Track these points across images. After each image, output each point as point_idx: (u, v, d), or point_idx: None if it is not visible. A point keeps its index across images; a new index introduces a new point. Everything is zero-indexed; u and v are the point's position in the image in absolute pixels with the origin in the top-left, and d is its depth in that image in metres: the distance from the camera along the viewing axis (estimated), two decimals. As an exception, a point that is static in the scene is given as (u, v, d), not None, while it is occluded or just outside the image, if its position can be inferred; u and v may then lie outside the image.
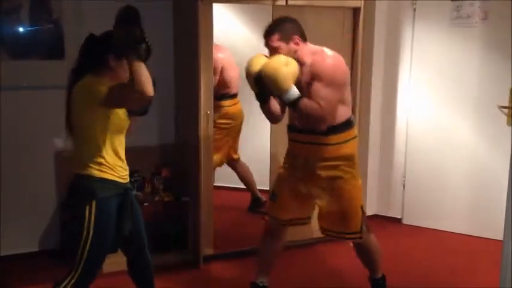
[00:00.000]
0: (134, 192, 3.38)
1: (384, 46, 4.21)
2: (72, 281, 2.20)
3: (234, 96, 3.93)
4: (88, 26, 3.30)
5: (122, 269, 2.54)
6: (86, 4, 3.37)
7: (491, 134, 3.82)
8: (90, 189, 2.18)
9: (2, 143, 3.29)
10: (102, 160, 2.19)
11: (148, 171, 3.58)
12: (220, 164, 3.91)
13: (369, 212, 4.36)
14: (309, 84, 2.50)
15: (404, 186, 4.25)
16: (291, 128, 2.72)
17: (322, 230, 2.79)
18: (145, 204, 3.33)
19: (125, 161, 2.32)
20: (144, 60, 2.03)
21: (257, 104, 2.67)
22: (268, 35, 2.55)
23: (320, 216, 2.78)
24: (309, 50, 2.57)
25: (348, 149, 2.61)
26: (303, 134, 2.62)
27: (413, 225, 4.20)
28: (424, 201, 4.15)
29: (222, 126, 3.83)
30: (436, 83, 4.03)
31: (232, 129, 3.94)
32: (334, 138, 2.57)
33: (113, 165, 2.23)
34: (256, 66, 2.49)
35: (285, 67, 2.41)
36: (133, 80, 1.99)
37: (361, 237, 2.69)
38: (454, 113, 3.99)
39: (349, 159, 2.62)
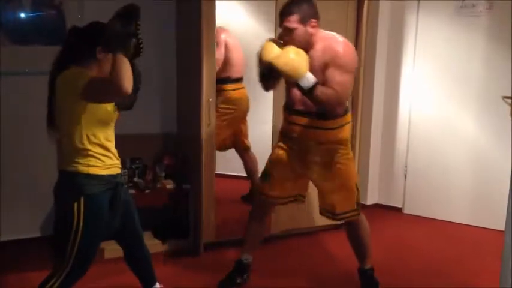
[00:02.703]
0: (135, 179, 3.41)
1: (387, 36, 4.18)
2: (60, 278, 2.17)
3: (238, 80, 3.79)
4: (89, 11, 3.32)
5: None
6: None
7: (493, 124, 3.82)
8: (77, 186, 2.13)
9: (3, 129, 3.29)
10: (87, 155, 2.13)
11: (150, 158, 3.59)
12: (218, 149, 3.83)
13: (370, 201, 4.38)
14: (322, 69, 2.47)
15: (405, 175, 4.25)
16: (288, 109, 2.71)
17: (321, 210, 2.81)
18: (146, 191, 3.34)
19: (115, 153, 2.25)
20: (131, 56, 1.97)
21: (260, 92, 2.66)
22: (286, 14, 2.47)
23: (319, 197, 2.81)
24: (322, 35, 2.54)
25: (344, 133, 2.65)
26: (301, 116, 2.62)
27: (414, 215, 4.21)
28: (425, 191, 4.16)
29: (223, 111, 3.71)
30: (440, 72, 4.02)
31: (235, 116, 3.83)
32: (331, 123, 2.59)
33: (100, 158, 2.16)
34: (269, 56, 2.44)
35: (296, 57, 2.38)
36: (112, 74, 1.93)
37: (358, 214, 2.74)
38: (456, 103, 3.98)
39: (343, 143, 2.65)
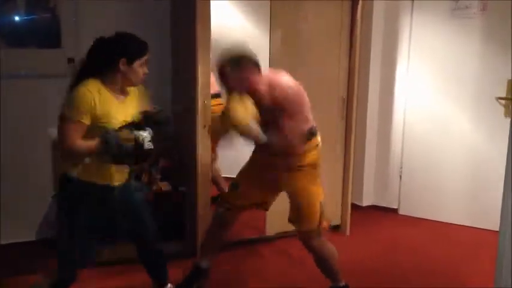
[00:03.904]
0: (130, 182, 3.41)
1: (382, 37, 4.20)
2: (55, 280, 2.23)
3: (216, 96, 3.65)
4: (84, 15, 3.32)
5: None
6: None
7: (488, 125, 3.83)
8: (75, 190, 2.18)
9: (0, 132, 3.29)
10: (87, 163, 2.17)
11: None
12: None
13: (366, 202, 4.39)
14: (272, 111, 2.49)
15: (401, 176, 4.26)
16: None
17: (289, 220, 2.81)
18: (142, 193, 3.33)
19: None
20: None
21: None
22: (220, 67, 2.52)
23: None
24: (263, 81, 2.54)
25: (308, 158, 2.62)
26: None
27: (410, 216, 4.22)
28: (421, 191, 4.17)
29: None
30: (434, 73, 4.03)
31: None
32: (295, 149, 2.59)
33: (100, 168, 2.20)
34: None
35: (240, 115, 2.41)
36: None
37: (318, 235, 2.70)
38: (451, 104, 3.99)
39: (308, 167, 2.63)
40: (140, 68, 2.21)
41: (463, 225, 4.00)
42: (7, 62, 3.24)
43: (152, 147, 2.15)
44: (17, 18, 3.30)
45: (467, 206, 4.00)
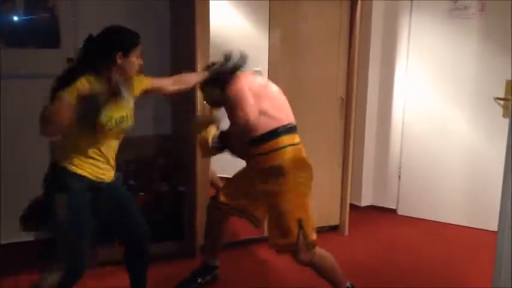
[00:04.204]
0: (130, 182, 3.40)
1: (381, 37, 4.20)
2: (56, 276, 2.19)
3: None
4: (83, 15, 3.32)
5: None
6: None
7: (487, 125, 3.84)
8: (63, 182, 2.18)
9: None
10: (80, 157, 2.19)
11: (144, 161, 3.58)
12: None
13: (365, 202, 4.39)
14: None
15: (399, 177, 4.27)
16: None
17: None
18: (141, 194, 3.33)
19: (111, 164, 2.30)
20: None
21: None
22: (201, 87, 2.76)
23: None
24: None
25: (278, 159, 2.51)
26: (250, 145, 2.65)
27: (408, 216, 4.22)
28: (420, 192, 4.18)
29: None
30: (433, 74, 4.04)
31: None
32: (261, 149, 2.54)
33: (91, 164, 2.21)
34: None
35: (209, 131, 2.66)
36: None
37: (306, 248, 2.53)
38: (450, 104, 4.00)
39: (277, 170, 2.51)
40: (136, 59, 2.23)
41: (461, 226, 4.01)
42: (6, 62, 3.24)
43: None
44: (15, 18, 3.30)
45: (465, 206, 4.01)
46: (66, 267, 2.20)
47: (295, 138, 2.58)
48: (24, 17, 3.31)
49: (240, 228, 3.52)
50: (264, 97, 2.57)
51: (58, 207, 2.17)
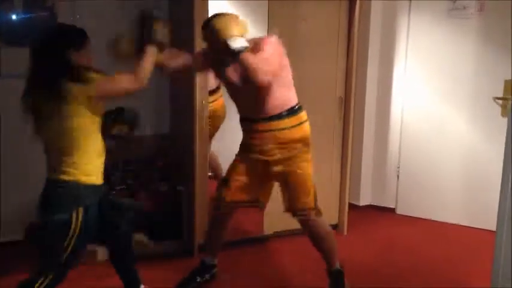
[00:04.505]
0: (128, 181, 3.41)
1: (379, 37, 4.20)
2: (46, 281, 2.18)
3: (213, 92, 3.66)
4: (82, 12, 3.32)
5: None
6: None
7: (485, 125, 3.84)
8: (77, 196, 2.17)
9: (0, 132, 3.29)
10: (89, 165, 2.19)
11: (143, 160, 3.58)
12: None
13: (363, 202, 4.39)
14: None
15: (398, 176, 4.27)
16: (243, 119, 2.78)
17: (285, 209, 2.84)
18: (140, 193, 3.33)
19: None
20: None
21: None
22: (205, 27, 2.56)
23: (282, 196, 2.83)
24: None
25: (301, 131, 2.70)
26: (254, 122, 2.68)
27: (407, 216, 4.22)
28: (418, 191, 4.18)
29: None
30: (432, 73, 4.04)
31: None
32: (285, 123, 2.66)
33: (98, 167, 2.23)
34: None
35: (233, 20, 2.48)
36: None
37: (316, 214, 2.77)
38: (448, 104, 4.00)
39: (302, 141, 2.70)
40: (88, 53, 2.23)
41: (460, 225, 4.01)
42: (5, 61, 3.24)
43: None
44: (14, 17, 3.30)
45: (465, 205, 4.01)
46: (53, 273, 2.20)
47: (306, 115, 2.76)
48: (23, 16, 3.31)
49: (239, 227, 3.52)
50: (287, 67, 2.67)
51: (65, 225, 2.15)
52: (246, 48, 2.42)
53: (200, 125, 3.24)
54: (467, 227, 3.98)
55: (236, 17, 2.51)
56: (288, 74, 2.67)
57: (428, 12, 3.97)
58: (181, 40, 3.39)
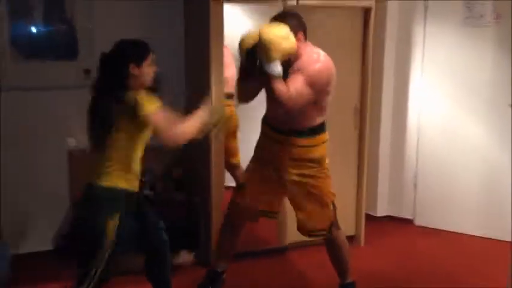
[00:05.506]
0: (145, 191, 3.43)
1: (395, 46, 4.19)
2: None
3: (228, 97, 3.64)
4: (101, 26, 3.37)
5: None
6: (98, 4, 3.40)
7: (503, 134, 3.79)
8: (115, 202, 2.24)
9: (17, 143, 3.34)
10: (129, 171, 2.27)
11: (159, 170, 3.60)
12: None
13: (380, 213, 4.35)
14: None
15: (415, 186, 4.22)
16: (265, 121, 2.75)
17: (297, 227, 2.80)
18: (156, 203, 3.34)
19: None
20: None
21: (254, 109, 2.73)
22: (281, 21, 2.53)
23: (295, 213, 2.80)
24: (308, 50, 2.59)
25: (317, 152, 2.64)
26: (276, 132, 2.66)
27: (426, 227, 4.16)
28: (436, 201, 4.12)
29: None
30: (448, 83, 4.01)
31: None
32: (305, 141, 2.61)
33: (127, 174, 2.28)
34: (252, 38, 2.49)
35: (283, 40, 2.39)
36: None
37: (330, 233, 2.75)
38: (465, 113, 3.96)
39: (316, 161, 2.65)
40: (149, 68, 2.29)
41: (480, 237, 3.94)
42: (24, 74, 3.30)
43: None
44: (33, 30, 3.36)
45: (485, 216, 3.94)
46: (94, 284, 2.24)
47: (327, 135, 2.71)
48: (42, 29, 3.38)
49: (250, 238, 3.51)
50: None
51: (108, 228, 2.21)
52: (279, 75, 2.40)
53: (216, 135, 3.26)
54: (488, 238, 3.91)
55: (287, 32, 2.43)
56: (324, 99, 2.59)
57: (444, 21, 3.95)
58: (196, 45, 3.44)
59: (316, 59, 2.54)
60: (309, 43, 2.63)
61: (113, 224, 2.21)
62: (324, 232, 2.73)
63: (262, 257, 3.51)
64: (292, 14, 2.65)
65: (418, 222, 4.22)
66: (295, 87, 2.45)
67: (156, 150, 3.53)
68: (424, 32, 4.04)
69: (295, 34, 2.50)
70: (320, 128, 2.65)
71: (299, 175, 2.65)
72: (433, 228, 4.11)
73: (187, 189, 3.52)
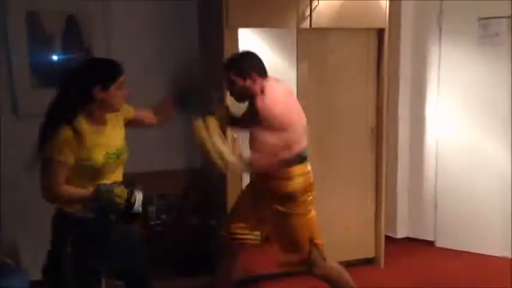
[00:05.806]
0: (162, 216, 3.41)
1: (410, 67, 4.18)
2: None
3: None
4: (118, 54, 3.42)
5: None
6: (116, 34, 3.47)
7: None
8: (65, 227, 2.12)
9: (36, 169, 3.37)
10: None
11: (175, 194, 3.61)
12: None
13: (400, 234, 4.27)
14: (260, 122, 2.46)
15: (436, 206, 4.14)
16: None
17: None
18: (172, 227, 3.34)
19: None
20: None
21: None
22: (226, 69, 2.57)
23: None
24: (262, 87, 2.53)
25: (293, 185, 2.56)
26: None
27: (447, 248, 4.07)
28: (458, 222, 4.04)
29: None
30: (465, 102, 3.97)
31: None
32: (280, 172, 2.55)
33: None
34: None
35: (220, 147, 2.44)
36: None
37: (313, 274, 2.69)
38: (484, 131, 3.91)
39: (291, 196, 2.57)
40: (118, 91, 2.09)
41: (504, 257, 3.84)
42: (43, 102, 3.34)
43: (141, 211, 2.03)
44: (52, 58, 3.43)
45: (508, 235, 3.84)
46: None
47: (308, 166, 2.63)
48: (60, 57, 3.45)
49: (251, 264, 3.47)
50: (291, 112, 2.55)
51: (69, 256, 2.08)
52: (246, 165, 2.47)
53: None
54: (510, 258, 3.80)
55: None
56: (285, 134, 2.46)
57: (459, 40, 3.94)
58: (211, 71, 3.47)
59: (263, 98, 2.47)
60: (267, 78, 2.57)
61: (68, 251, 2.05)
62: (304, 264, 2.67)
63: (268, 280, 3.46)
64: (240, 57, 2.59)
65: (440, 243, 4.13)
66: (260, 141, 2.42)
67: (172, 174, 3.61)
68: (440, 51, 4.02)
69: (248, 75, 2.50)
70: (295, 159, 2.55)
71: (273, 208, 2.60)
72: (455, 250, 4.02)
73: (203, 213, 3.51)
